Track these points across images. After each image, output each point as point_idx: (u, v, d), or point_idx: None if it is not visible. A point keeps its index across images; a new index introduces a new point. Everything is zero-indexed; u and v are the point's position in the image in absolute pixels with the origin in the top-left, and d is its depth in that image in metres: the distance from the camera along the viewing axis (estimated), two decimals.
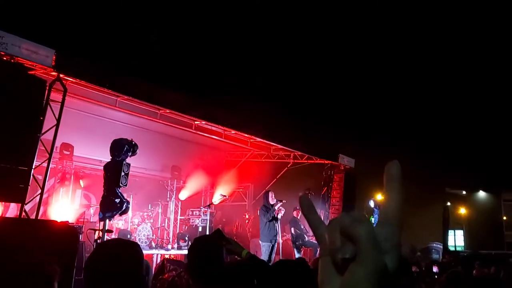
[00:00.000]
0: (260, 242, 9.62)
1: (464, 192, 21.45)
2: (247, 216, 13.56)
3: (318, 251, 0.59)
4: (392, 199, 0.54)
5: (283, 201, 9.84)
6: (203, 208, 12.13)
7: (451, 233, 21.47)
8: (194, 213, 12.16)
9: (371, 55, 16.17)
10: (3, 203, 7.76)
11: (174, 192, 12.35)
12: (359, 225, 0.51)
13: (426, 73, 17.06)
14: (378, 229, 0.52)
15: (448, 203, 20.72)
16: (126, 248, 1.81)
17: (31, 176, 6.29)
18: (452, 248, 18.58)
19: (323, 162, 13.07)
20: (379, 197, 15.96)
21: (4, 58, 6.12)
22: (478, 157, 17.39)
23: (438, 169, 17.25)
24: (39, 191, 6.77)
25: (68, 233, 4.38)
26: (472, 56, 16.34)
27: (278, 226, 9.72)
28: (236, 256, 2.98)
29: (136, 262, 1.77)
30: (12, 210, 8.32)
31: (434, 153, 17.86)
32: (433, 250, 15.00)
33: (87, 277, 1.70)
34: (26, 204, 6.37)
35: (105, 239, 6.95)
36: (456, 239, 21.91)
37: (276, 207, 9.48)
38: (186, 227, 12.03)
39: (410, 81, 16.84)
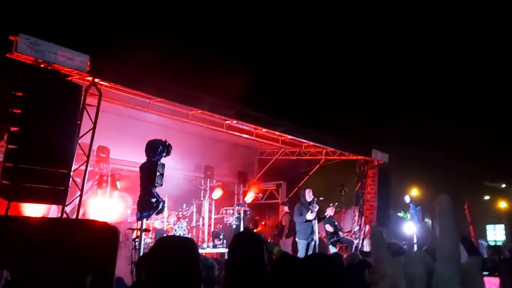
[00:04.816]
0: (297, 239, 9.59)
1: (503, 185, 20.74)
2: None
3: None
4: (449, 236, 0.56)
5: (321, 198, 9.76)
6: (236, 207, 12.22)
7: (491, 227, 20.80)
8: (227, 211, 12.29)
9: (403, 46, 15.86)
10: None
11: (208, 191, 12.49)
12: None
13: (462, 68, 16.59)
14: (441, 267, 0.56)
15: (487, 197, 20.10)
16: (184, 243, 1.86)
17: (71, 178, 6.51)
18: (492, 243, 18.02)
19: (356, 157, 12.90)
20: (414, 192, 15.67)
21: (42, 66, 6.35)
22: None
23: (476, 161, 16.73)
24: (79, 193, 6.99)
25: (108, 232, 4.50)
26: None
27: (315, 224, 9.58)
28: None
29: (193, 256, 1.81)
30: (53, 211, 8.59)
31: (471, 146, 17.34)
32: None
33: (148, 269, 1.76)
34: (66, 206, 6.60)
35: (143, 239, 7.12)
36: (496, 234, 21.23)
37: (312, 206, 9.37)
38: (221, 226, 12.15)
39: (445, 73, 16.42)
